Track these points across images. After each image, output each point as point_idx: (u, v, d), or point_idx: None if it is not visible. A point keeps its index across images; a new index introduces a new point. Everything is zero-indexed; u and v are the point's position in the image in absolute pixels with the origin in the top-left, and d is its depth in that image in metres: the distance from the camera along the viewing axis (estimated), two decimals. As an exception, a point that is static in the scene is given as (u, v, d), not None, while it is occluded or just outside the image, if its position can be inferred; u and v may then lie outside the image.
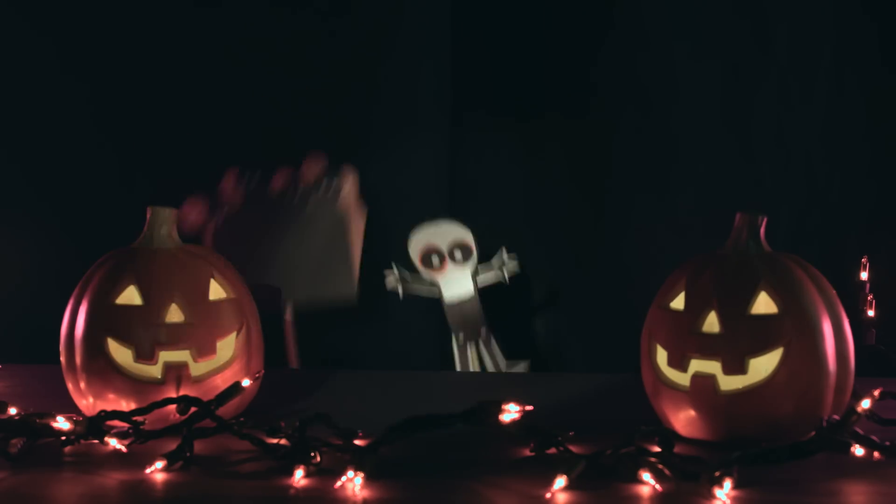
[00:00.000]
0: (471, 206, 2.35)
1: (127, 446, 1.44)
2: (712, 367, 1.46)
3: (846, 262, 1.93)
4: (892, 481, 1.31)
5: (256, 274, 2.08)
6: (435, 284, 2.23)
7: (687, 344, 1.48)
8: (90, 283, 1.60)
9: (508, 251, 2.26)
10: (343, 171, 2.12)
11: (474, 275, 2.23)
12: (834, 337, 1.47)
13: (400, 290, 2.20)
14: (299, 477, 1.31)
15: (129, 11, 2.29)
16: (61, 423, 1.44)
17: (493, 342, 2.24)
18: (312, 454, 1.35)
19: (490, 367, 2.23)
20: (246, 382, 1.56)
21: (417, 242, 2.22)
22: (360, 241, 2.18)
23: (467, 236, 2.21)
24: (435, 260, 2.19)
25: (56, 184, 2.31)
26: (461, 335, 2.22)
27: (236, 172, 2.09)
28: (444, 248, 2.20)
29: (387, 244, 2.30)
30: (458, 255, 2.19)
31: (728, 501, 1.22)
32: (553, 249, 2.33)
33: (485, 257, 2.27)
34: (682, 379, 1.48)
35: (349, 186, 2.11)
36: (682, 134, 2.27)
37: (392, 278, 2.23)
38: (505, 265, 2.22)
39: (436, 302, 2.27)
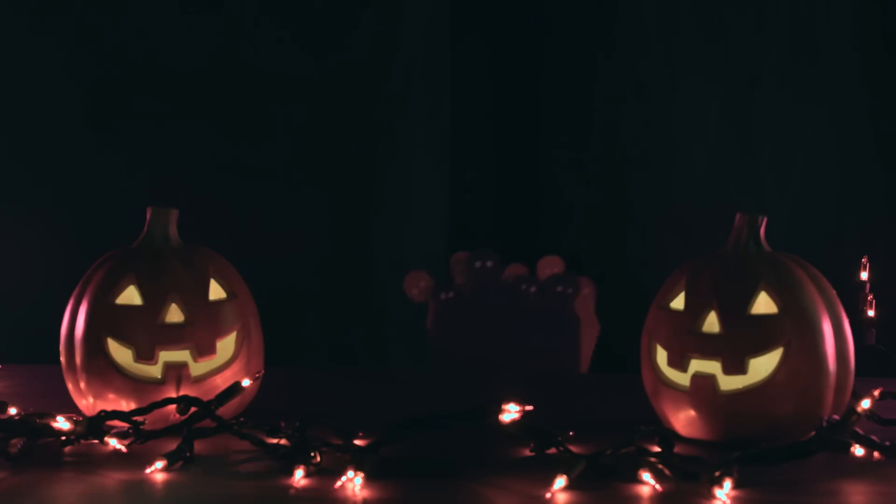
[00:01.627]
0: (471, 207, 2.36)
1: (127, 446, 1.44)
2: (712, 367, 1.46)
3: (846, 262, 1.93)
4: (892, 481, 1.31)
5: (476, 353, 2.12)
6: None
7: (687, 344, 1.48)
8: (90, 283, 1.60)
9: (507, 251, 2.25)
10: (581, 280, 2.12)
11: None
12: (834, 337, 1.46)
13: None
14: (299, 477, 1.31)
15: (134, 13, 2.29)
16: (61, 423, 1.44)
17: None
18: (312, 454, 1.35)
19: None
20: (246, 382, 1.56)
21: None
22: (589, 352, 2.14)
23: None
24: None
25: (56, 184, 2.31)
26: None
27: (467, 257, 2.11)
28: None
29: (390, 245, 2.31)
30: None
31: (728, 501, 1.22)
32: (552, 249, 2.33)
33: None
34: (682, 379, 1.48)
35: (588, 293, 2.12)
36: (682, 133, 2.27)
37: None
38: None
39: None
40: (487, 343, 2.13)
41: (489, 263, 2.11)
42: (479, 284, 2.12)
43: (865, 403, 1.41)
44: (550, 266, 2.14)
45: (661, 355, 1.51)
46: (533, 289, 2.10)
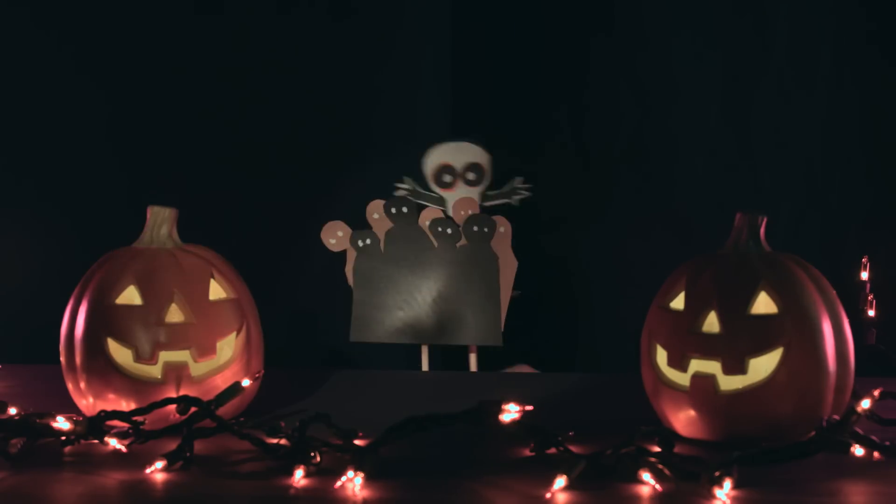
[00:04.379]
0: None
1: (127, 446, 1.44)
2: (712, 367, 1.46)
3: (846, 262, 1.93)
4: (892, 481, 1.31)
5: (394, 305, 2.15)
6: (444, 201, 2.23)
7: (687, 344, 1.48)
8: (90, 283, 1.60)
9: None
10: (497, 219, 2.14)
11: (483, 195, 2.22)
12: (834, 337, 1.47)
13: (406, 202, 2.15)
14: (299, 477, 1.31)
15: (134, 16, 2.29)
16: (61, 423, 1.44)
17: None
18: (312, 454, 1.36)
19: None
20: (246, 382, 1.56)
21: (433, 159, 2.21)
22: (508, 289, 2.15)
23: (482, 158, 2.19)
24: (447, 178, 2.18)
25: (57, 184, 2.32)
26: None
27: (383, 204, 2.13)
28: (458, 168, 2.19)
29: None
30: (470, 175, 2.18)
31: (728, 501, 1.22)
32: (554, 249, 2.33)
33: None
34: (682, 379, 1.48)
35: (504, 231, 2.13)
36: (682, 134, 2.27)
37: (402, 190, 2.22)
38: (516, 192, 2.20)
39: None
40: (404, 287, 2.15)
41: (404, 209, 2.13)
42: (396, 229, 2.13)
43: (865, 403, 1.41)
44: (465, 207, 2.15)
45: (661, 355, 1.52)
46: (449, 230, 2.11)
